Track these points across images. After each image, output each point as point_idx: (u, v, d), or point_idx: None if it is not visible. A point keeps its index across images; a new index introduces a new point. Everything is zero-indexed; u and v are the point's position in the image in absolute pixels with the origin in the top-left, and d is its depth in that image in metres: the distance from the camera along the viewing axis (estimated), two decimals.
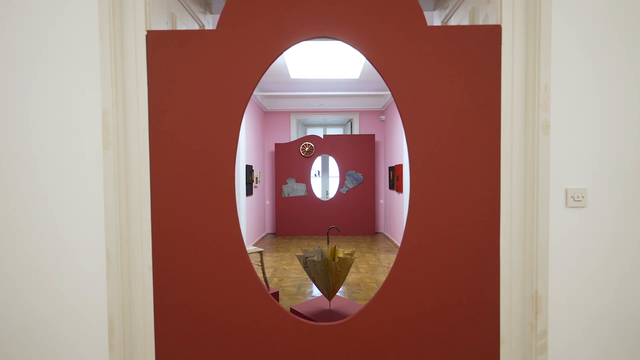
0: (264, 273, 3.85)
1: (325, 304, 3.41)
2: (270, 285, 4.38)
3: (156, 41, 1.38)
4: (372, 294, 4.06)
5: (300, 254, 5.66)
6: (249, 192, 6.57)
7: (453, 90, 1.39)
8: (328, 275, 3.13)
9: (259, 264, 4.27)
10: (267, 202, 8.33)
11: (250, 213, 6.77)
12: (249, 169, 6.61)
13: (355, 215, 7.96)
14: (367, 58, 1.41)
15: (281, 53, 1.39)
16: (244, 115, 5.98)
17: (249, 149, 6.64)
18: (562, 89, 1.38)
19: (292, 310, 3.33)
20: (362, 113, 8.26)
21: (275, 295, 3.78)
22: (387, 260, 5.70)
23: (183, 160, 1.40)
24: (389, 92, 6.90)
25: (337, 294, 3.85)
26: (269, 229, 8.38)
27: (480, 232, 1.40)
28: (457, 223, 1.40)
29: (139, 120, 1.38)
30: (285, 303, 3.82)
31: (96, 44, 1.36)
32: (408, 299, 1.42)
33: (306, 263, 3.18)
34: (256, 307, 1.43)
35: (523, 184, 1.38)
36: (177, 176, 1.40)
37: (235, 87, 1.39)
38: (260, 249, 3.95)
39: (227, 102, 1.39)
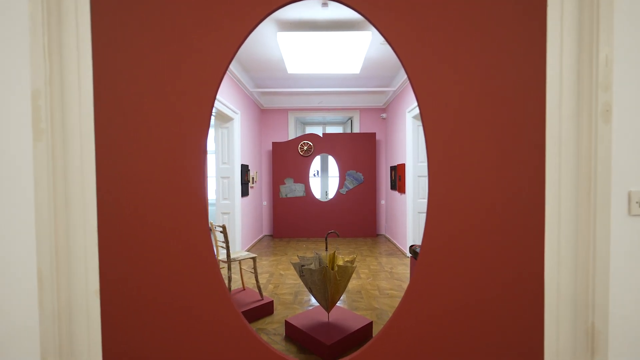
0: (257, 281, 3.54)
1: (323, 316, 3.10)
2: (264, 294, 4.08)
3: None
4: (375, 303, 3.76)
5: (297, 260, 5.33)
6: (244, 192, 6.26)
7: (483, 63, 1.08)
8: (326, 285, 2.83)
9: (252, 270, 3.96)
10: (264, 202, 8.03)
11: (246, 214, 6.47)
12: (245, 169, 6.31)
13: (355, 216, 7.66)
14: (370, 21, 1.10)
15: (265, 15, 1.08)
16: (241, 112, 5.59)
17: (245, 147, 6.34)
18: (624, 64, 1.07)
19: (286, 323, 3.03)
20: (363, 111, 7.96)
21: (270, 304, 3.48)
22: (389, 265, 5.39)
23: (139, 152, 1.10)
24: (390, 89, 6.59)
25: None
26: (266, 230, 8.08)
27: (517, 249, 1.10)
28: (485, 237, 1.10)
29: (82, 102, 1.07)
30: (280, 313, 3.52)
31: (26, 4, 1.05)
32: (423, 335, 1.12)
33: (302, 272, 2.88)
34: (236, 347, 1.13)
35: (575, 186, 1.08)
36: (132, 172, 1.10)
37: (208, 58, 1.08)
38: (254, 255, 3.64)
39: (197, 76, 1.08)
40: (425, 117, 1.08)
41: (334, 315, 3.11)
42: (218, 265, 1.09)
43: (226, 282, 4.25)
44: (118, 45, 1.08)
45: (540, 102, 1.08)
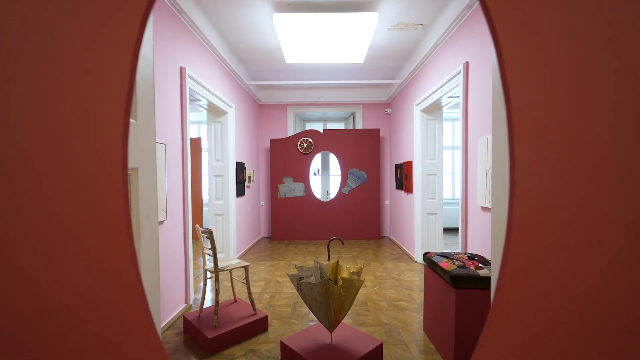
0: (249, 293, 3.11)
1: (325, 336, 2.68)
2: (259, 305, 3.65)
3: None
4: (383, 317, 3.33)
5: (294, 271, 4.86)
6: (240, 192, 5.84)
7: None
8: (329, 301, 2.40)
9: (244, 281, 3.53)
10: (262, 203, 7.61)
11: (242, 216, 6.04)
12: (241, 167, 5.88)
13: (358, 217, 7.23)
14: None
15: None
16: (236, 106, 5.06)
17: (240, 144, 5.91)
18: None
19: (282, 344, 2.60)
20: (366, 106, 7.53)
21: (264, 320, 3.06)
22: (396, 271, 4.97)
23: (29, 139, 0.67)
24: (396, 81, 6.16)
25: None
26: (264, 232, 7.66)
27: None
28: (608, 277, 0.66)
29: None
30: (276, 330, 3.09)
31: None
32: None
33: (300, 285, 2.45)
34: None
35: None
36: (21, 173, 0.67)
37: None
38: (246, 263, 3.21)
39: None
40: (512, 80, 0.64)
41: (337, 335, 2.68)
42: (147, 308, 0.66)
43: (214, 294, 3.83)
44: None
45: None
